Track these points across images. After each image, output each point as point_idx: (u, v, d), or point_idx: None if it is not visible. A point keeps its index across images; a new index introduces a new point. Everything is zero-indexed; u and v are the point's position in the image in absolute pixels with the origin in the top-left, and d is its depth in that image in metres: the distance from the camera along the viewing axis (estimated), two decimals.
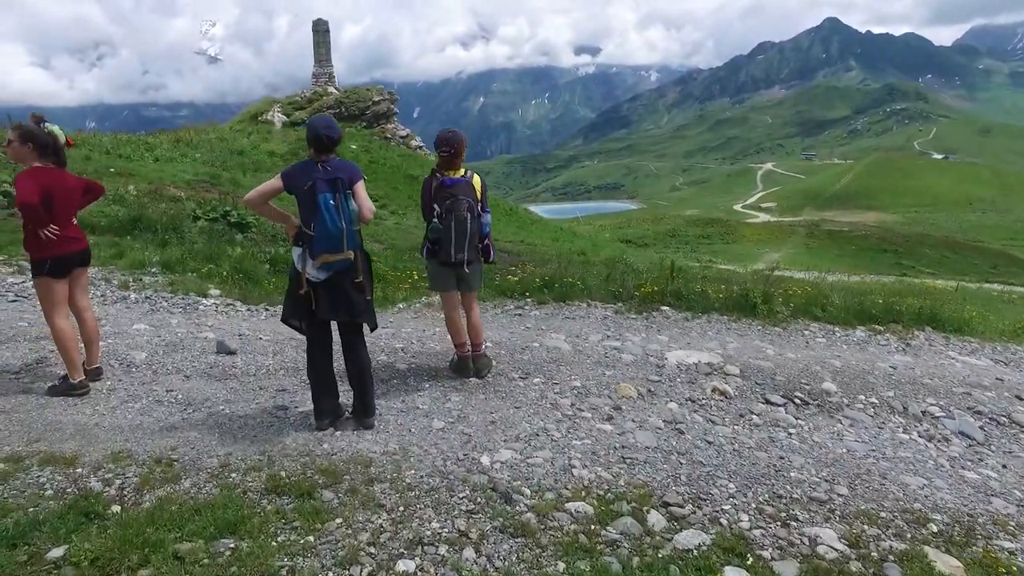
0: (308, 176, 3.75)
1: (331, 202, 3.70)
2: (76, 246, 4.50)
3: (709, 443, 4.31)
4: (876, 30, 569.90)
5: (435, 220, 4.55)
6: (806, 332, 7.22)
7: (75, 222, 4.58)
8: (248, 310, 6.97)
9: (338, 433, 4.04)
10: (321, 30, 35.11)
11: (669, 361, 5.78)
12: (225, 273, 8.39)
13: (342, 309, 3.92)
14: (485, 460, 3.81)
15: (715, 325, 7.18)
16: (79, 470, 3.46)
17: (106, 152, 18.94)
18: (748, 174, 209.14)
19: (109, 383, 4.64)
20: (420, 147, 34.35)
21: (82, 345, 4.73)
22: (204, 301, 7.09)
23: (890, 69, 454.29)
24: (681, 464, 3.96)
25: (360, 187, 3.86)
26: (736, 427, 4.65)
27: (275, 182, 3.85)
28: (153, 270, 8.22)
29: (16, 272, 7.62)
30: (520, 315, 7.14)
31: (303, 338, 5.76)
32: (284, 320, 4.05)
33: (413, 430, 4.16)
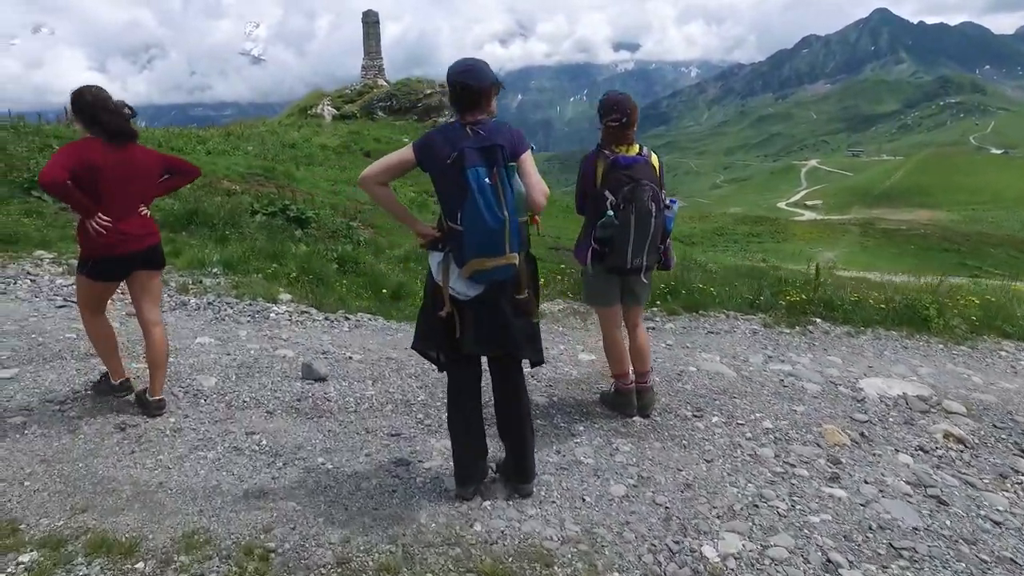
0: (452, 144, 2.55)
1: (486, 180, 2.47)
2: (131, 245, 3.46)
3: (995, 522, 3.06)
4: (930, 20, 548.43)
5: (609, 213, 3.35)
6: (1002, 353, 5.82)
7: (144, 212, 3.54)
8: (326, 319, 5.91)
9: (487, 504, 2.90)
10: (371, 21, 34.38)
11: (867, 393, 4.50)
12: (293, 274, 7.38)
13: (497, 339, 2.72)
14: (710, 553, 2.63)
15: (887, 343, 5.84)
16: (139, 565, 2.39)
17: (158, 145, 18.38)
18: (792, 171, 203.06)
19: (173, 420, 3.59)
20: None
21: (144, 366, 3.72)
22: (274, 308, 6.05)
23: (944, 60, 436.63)
24: (984, 562, 2.72)
25: (528, 159, 2.66)
26: (1007, 493, 3.37)
27: (404, 153, 2.70)
28: (214, 270, 7.25)
29: (66, 272, 6.72)
30: (654, 329, 5.91)
31: (404, 358, 4.81)
32: (419, 350, 2.91)
33: (587, 499, 2.99)
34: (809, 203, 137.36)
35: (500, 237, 2.50)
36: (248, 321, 5.65)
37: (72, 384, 3.99)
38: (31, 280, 6.38)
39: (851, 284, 8.13)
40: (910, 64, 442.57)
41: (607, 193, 3.36)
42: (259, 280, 6.94)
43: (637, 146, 3.55)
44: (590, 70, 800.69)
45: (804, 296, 6.44)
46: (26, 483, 2.93)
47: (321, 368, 4.20)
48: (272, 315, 5.84)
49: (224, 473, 3.09)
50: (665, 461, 3.43)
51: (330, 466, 3.18)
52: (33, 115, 21.11)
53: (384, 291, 7.77)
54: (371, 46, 34.29)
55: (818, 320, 6.25)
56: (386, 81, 34.55)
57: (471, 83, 2.60)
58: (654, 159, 3.55)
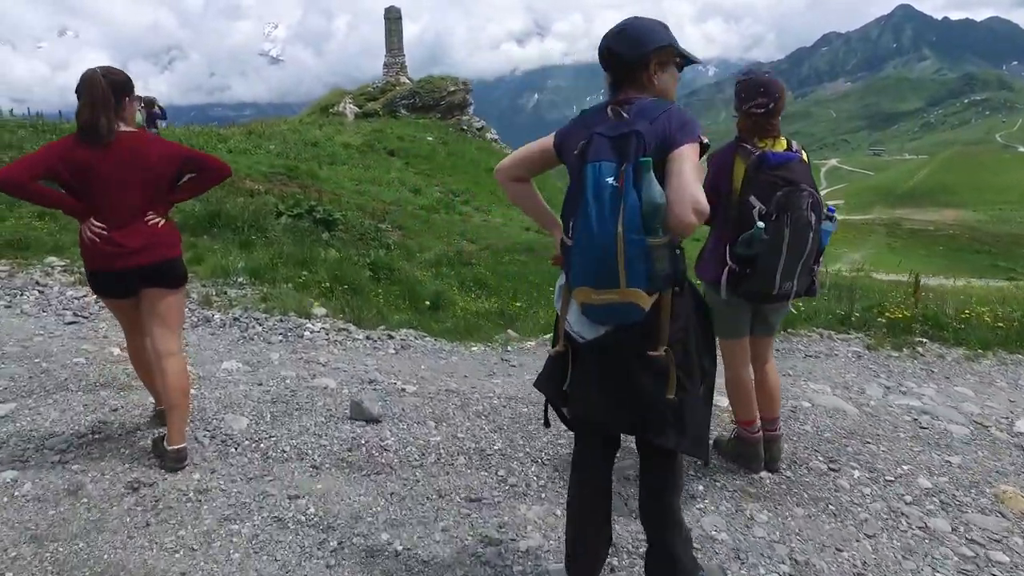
0: (587, 128, 1.83)
1: (608, 180, 1.70)
2: (131, 260, 2.81)
3: None
4: (955, 16, 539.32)
5: (759, 225, 2.58)
6: None
7: (152, 220, 2.88)
8: (367, 339, 5.21)
9: None
10: (393, 18, 33.79)
11: None
12: (325, 283, 6.72)
13: (622, 409, 1.92)
14: None
15: (1018, 370, 5.04)
16: None
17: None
18: (812, 170, 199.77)
19: (198, 477, 2.90)
20: (495, 140, 32.77)
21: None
22: (309, 325, 5.37)
23: (969, 57, 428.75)
24: None
25: (684, 156, 1.86)
26: None
27: (544, 141, 1.99)
28: (240, 279, 6.60)
29: (77, 283, 6.11)
30: None
31: (467, 391, 4.00)
32: (543, 394, 2.17)
33: None
34: (830, 203, 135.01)
35: (611, 262, 1.70)
36: (280, 341, 4.98)
37: (77, 425, 3.33)
38: (39, 291, 5.77)
39: (943, 294, 7.29)
40: (934, 61, 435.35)
41: (753, 200, 2.61)
42: (289, 291, 6.28)
43: (784, 139, 2.82)
44: None
45: (906, 312, 5.64)
46: (8, 574, 2.25)
47: (373, 406, 3.50)
48: (307, 334, 5.15)
49: (265, 558, 2.39)
50: (816, 536, 2.69)
51: (399, 546, 2.47)
52: (55, 115, 20.85)
53: (424, 302, 7.10)
54: (393, 43, 33.61)
55: (925, 341, 5.45)
56: (408, 79, 33.95)
57: (621, 51, 1.87)
58: (805, 156, 2.81)
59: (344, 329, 5.35)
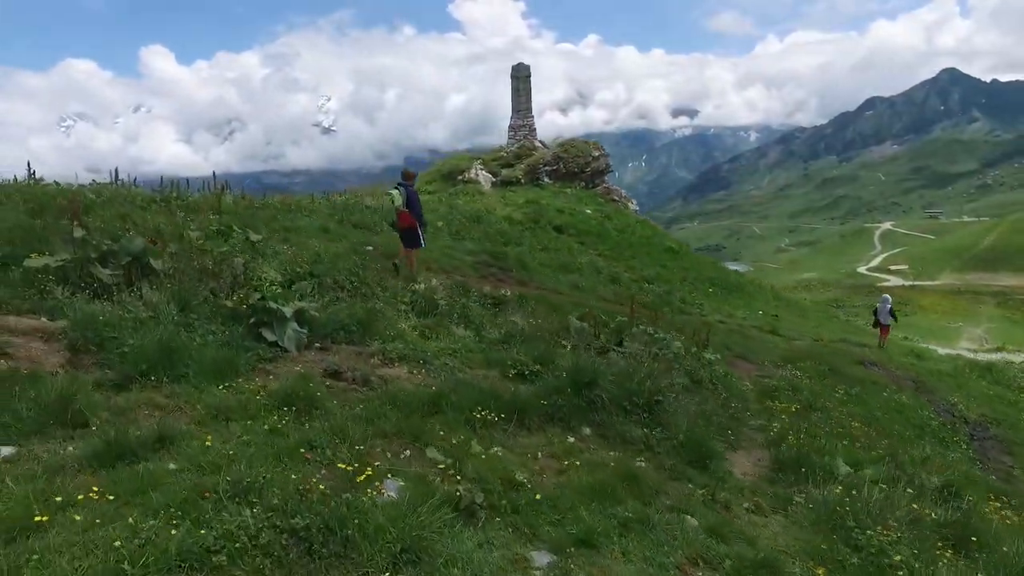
0: None
1: None
2: None
3: None
4: (1003, 78, 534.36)
5: None
6: None
7: None
8: None
9: None
10: (522, 76, 31.74)
11: None
12: None
13: None
14: None
15: None
16: None
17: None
18: (864, 234, 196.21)
19: None
20: (636, 210, 31.45)
21: None
22: None
23: (1022, 118, 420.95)
24: None
25: None
26: None
27: None
28: None
29: None
30: None
31: None
32: None
33: None
34: (893, 267, 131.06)
35: None
36: None
37: None
38: None
39: None
40: (984, 122, 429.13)
41: None
42: None
43: None
44: (648, 136, 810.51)
45: None
46: None
47: None
48: None
49: None
50: None
51: None
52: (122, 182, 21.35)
53: None
54: (521, 103, 31.60)
55: None
56: (540, 142, 32.25)
57: None
58: None
59: None
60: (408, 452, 4.77)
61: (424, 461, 4.63)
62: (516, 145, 32.25)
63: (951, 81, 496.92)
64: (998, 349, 35.84)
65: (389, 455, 4.56)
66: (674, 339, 9.32)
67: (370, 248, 13.48)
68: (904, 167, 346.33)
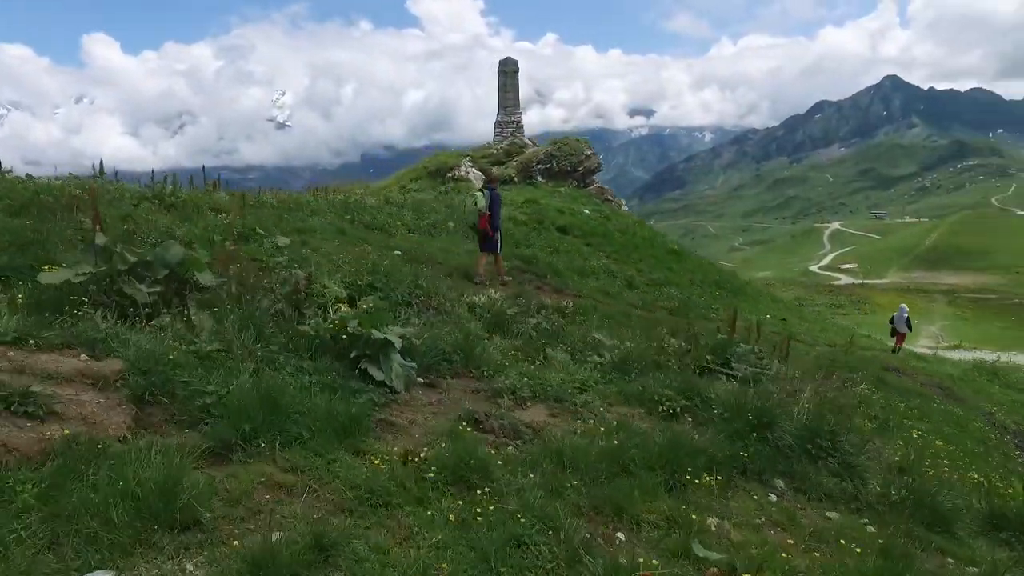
0: None
1: None
2: None
3: None
4: (940, 86, 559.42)
5: None
6: None
7: None
8: None
9: None
10: (510, 71, 30.85)
11: None
12: None
13: None
14: None
15: None
16: None
17: (348, 221, 15.30)
18: (814, 234, 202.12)
19: None
20: (627, 209, 30.67)
21: None
22: None
23: (957, 125, 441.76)
24: None
25: None
26: None
27: None
28: None
29: None
30: None
31: None
32: None
33: None
34: (843, 267, 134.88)
35: None
36: None
37: None
38: None
39: None
40: (923, 128, 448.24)
41: None
42: None
43: None
44: (605, 135, 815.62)
45: None
46: None
47: None
48: None
49: None
50: None
51: None
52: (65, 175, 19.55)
53: None
54: (508, 99, 30.61)
55: None
56: (531, 140, 31.45)
57: None
58: None
59: None
60: (621, 536, 3.59)
61: (653, 548, 3.45)
62: (505, 142, 31.27)
63: (893, 88, 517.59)
64: (955, 347, 36.57)
65: (612, 548, 3.37)
66: (771, 358, 8.30)
67: (398, 253, 12.14)
68: (851, 169, 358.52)
